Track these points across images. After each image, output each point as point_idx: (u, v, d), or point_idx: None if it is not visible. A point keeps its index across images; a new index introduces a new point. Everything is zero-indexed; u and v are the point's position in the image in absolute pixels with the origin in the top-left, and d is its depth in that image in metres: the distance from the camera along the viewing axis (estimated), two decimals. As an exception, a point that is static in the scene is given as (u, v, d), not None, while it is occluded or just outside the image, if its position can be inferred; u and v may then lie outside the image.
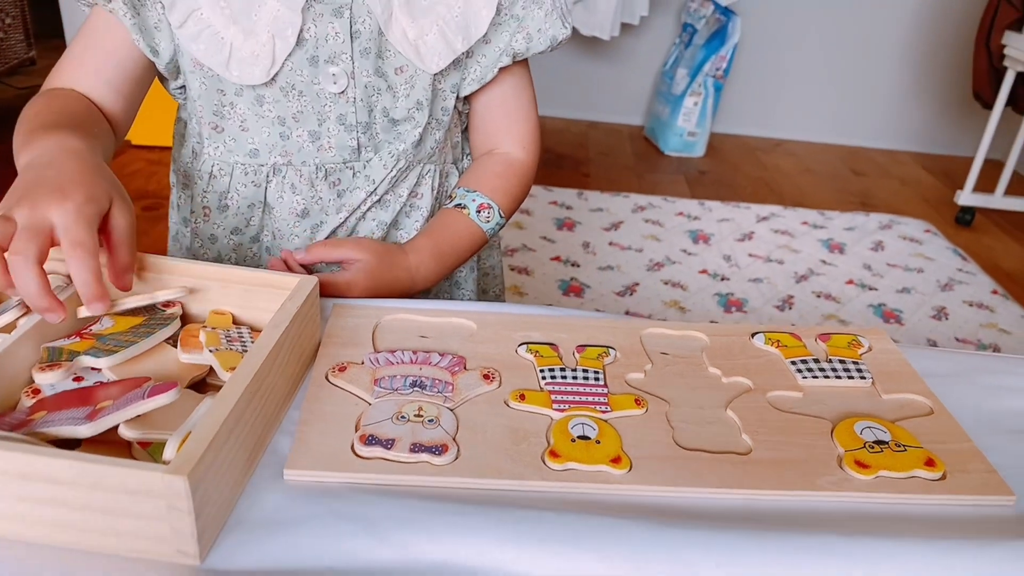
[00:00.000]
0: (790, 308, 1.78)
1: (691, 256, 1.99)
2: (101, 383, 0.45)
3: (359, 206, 0.69)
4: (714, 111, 2.68)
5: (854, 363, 0.54)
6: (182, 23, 0.61)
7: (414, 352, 0.53)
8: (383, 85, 0.66)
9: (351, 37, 0.64)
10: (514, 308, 0.60)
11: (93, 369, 0.46)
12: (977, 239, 2.19)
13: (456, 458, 0.44)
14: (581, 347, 0.55)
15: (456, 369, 0.51)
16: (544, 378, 0.51)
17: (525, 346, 0.54)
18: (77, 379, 0.45)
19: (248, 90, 0.64)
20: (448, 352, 0.53)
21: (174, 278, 0.52)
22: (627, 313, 1.71)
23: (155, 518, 0.36)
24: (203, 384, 0.48)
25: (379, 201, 0.70)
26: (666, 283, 1.86)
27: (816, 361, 0.54)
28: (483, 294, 0.85)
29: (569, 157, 2.63)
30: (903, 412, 0.50)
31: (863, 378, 0.53)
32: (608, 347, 0.55)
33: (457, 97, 0.71)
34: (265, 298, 0.52)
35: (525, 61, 0.73)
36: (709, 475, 0.44)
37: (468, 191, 0.72)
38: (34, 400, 0.43)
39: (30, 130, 0.57)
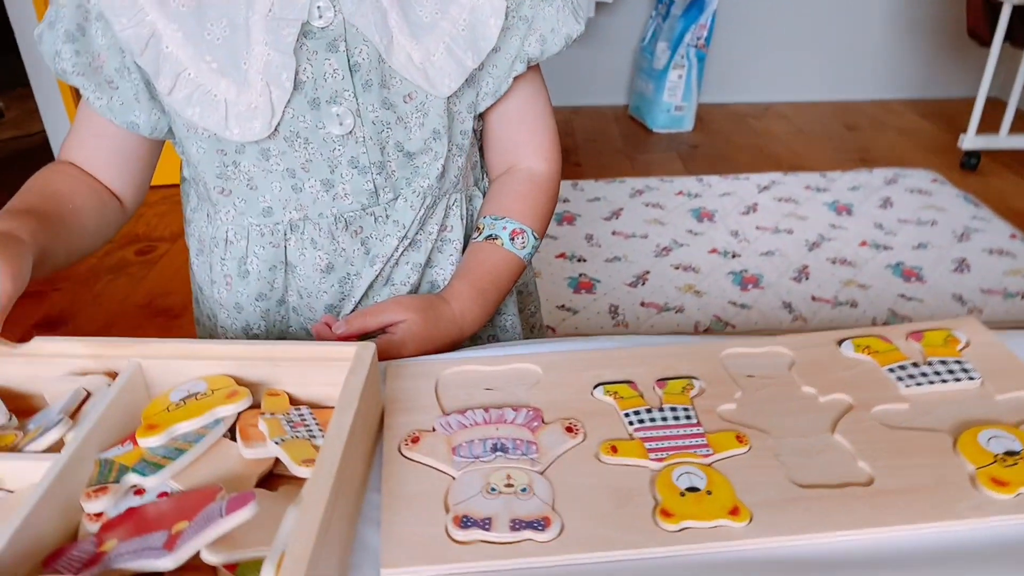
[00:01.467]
0: (807, 279, 1.75)
1: (697, 236, 1.96)
2: (165, 493, 0.41)
3: (392, 254, 0.65)
4: (699, 82, 2.64)
5: (957, 362, 0.51)
6: (171, 89, 0.56)
7: (485, 410, 0.49)
8: (392, 118, 0.61)
9: (350, 71, 0.58)
10: (578, 344, 0.56)
11: (149, 478, 0.42)
12: (986, 183, 2.16)
13: (561, 531, 0.40)
14: (661, 381, 0.51)
15: (535, 424, 0.48)
16: (631, 423, 0.47)
17: (601, 388, 0.50)
18: (138, 491, 0.41)
19: (251, 146, 0.59)
20: (520, 405, 0.49)
21: (218, 363, 0.48)
22: (642, 305, 1.67)
23: (258, 657, 0.32)
24: (270, 477, 0.44)
25: (411, 244, 0.66)
26: (677, 267, 1.82)
27: (915, 365, 0.51)
28: (520, 313, 0.81)
29: (559, 147, 2.58)
30: None
31: (971, 379, 0.49)
32: (691, 377, 0.51)
33: (474, 116, 0.66)
34: (321, 372, 0.47)
35: (536, 64, 0.68)
36: (837, 515, 0.40)
37: (496, 219, 0.67)
38: (97, 524, 0.39)
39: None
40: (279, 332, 0.67)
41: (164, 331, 1.63)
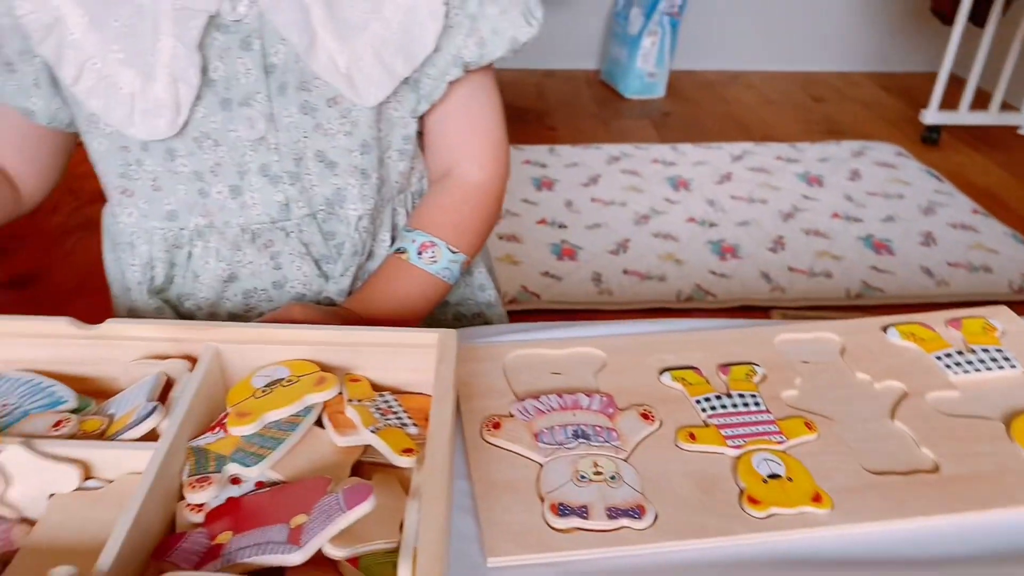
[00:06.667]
0: (783, 248, 1.80)
1: (674, 204, 1.99)
2: (261, 483, 0.41)
3: (306, 281, 0.61)
4: (672, 49, 2.64)
5: (998, 350, 0.54)
6: (76, 78, 0.52)
7: (559, 395, 0.50)
8: (310, 124, 0.56)
9: (264, 72, 0.54)
10: (635, 327, 0.58)
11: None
12: (946, 157, 2.25)
13: (655, 520, 0.42)
14: (724, 367, 0.53)
15: (611, 411, 0.49)
16: (704, 410, 0.49)
17: (668, 374, 0.52)
18: (234, 481, 0.41)
19: (156, 145, 0.55)
20: (592, 390, 0.51)
21: (298, 348, 0.47)
22: (625, 273, 1.70)
23: (397, 650, 0.33)
24: (360, 466, 0.44)
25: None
26: (656, 235, 1.85)
27: (960, 353, 0.54)
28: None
29: (531, 110, 2.56)
30: (1062, 400, 0.50)
31: (1012, 366, 0.53)
32: (751, 364, 0.53)
33: (418, 120, 0.61)
34: (402, 358, 0.47)
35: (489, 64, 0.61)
36: (912, 502, 0.43)
37: (409, 231, 0.62)
38: (198, 514, 0.39)
39: None
40: None
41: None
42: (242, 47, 0.53)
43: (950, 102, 2.31)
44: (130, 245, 0.61)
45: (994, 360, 0.53)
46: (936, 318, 0.58)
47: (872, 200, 2.00)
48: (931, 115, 2.29)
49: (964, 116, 2.31)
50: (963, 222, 1.89)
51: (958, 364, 0.53)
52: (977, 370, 0.52)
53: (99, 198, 0.63)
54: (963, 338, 0.55)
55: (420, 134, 0.64)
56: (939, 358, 0.53)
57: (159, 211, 0.59)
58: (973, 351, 0.54)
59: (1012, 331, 0.56)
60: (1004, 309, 0.59)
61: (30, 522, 0.40)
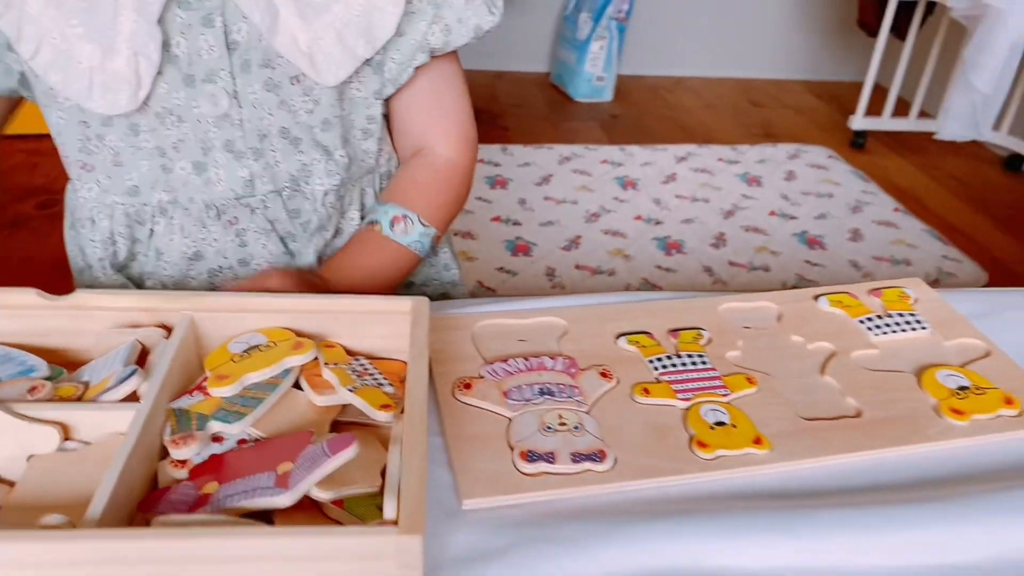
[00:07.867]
0: (724, 244, 1.88)
1: (623, 203, 2.05)
2: (243, 441, 0.43)
3: (272, 260, 0.62)
4: (619, 54, 2.72)
5: (911, 315, 0.60)
6: (35, 53, 0.53)
7: (525, 359, 0.53)
8: (275, 101, 0.57)
9: (227, 49, 0.55)
10: (594, 299, 0.62)
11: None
12: (871, 160, 2.38)
13: (615, 463, 0.46)
14: (674, 331, 0.57)
15: (573, 371, 0.53)
16: (656, 368, 0.53)
17: (624, 338, 0.56)
18: (216, 439, 0.43)
19: (119, 119, 0.56)
20: (555, 353, 0.54)
21: (273, 316, 0.50)
22: (577, 268, 1.75)
23: (383, 578, 0.36)
24: (337, 426, 0.47)
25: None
26: (606, 232, 1.91)
27: (880, 317, 0.60)
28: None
29: (484, 111, 2.60)
30: (966, 356, 0.56)
31: (924, 328, 0.59)
32: (698, 328, 0.58)
33: (383, 102, 0.63)
34: (374, 325, 0.50)
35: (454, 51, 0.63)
36: (838, 442, 0.48)
37: (382, 204, 0.64)
38: (182, 470, 0.41)
39: None
40: None
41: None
42: (204, 24, 0.54)
43: (875, 109, 2.44)
44: (90, 220, 0.61)
45: (907, 323, 0.59)
46: (860, 288, 0.64)
47: (806, 199, 2.10)
48: (858, 121, 2.42)
49: (887, 122, 2.45)
50: (886, 219, 2.01)
51: (878, 327, 0.58)
52: (894, 332, 0.58)
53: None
54: (882, 305, 0.61)
55: (387, 116, 0.66)
56: (862, 322, 0.59)
57: (120, 186, 0.59)
58: (891, 315, 0.60)
59: (923, 299, 0.63)
60: (917, 280, 0.65)
61: (8, 483, 0.41)
